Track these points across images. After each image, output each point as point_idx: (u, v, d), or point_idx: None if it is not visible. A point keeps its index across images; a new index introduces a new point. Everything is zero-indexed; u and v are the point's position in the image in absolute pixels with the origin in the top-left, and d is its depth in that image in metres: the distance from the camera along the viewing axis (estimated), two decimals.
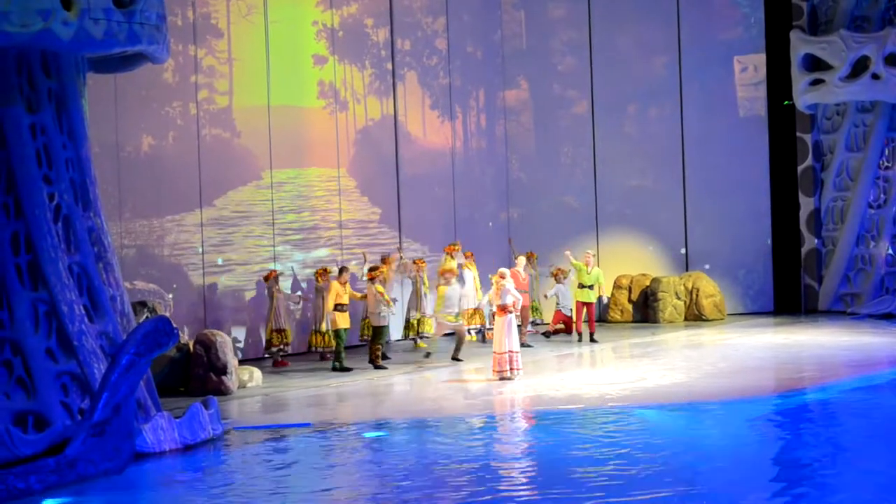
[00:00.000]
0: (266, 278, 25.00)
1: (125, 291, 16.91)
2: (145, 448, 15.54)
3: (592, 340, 27.39)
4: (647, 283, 31.90)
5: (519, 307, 23.00)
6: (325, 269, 25.33)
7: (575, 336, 27.76)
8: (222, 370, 20.96)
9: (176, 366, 21.26)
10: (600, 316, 31.79)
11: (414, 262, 27.48)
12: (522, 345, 26.22)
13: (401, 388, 22.24)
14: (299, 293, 26.10)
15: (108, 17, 15.34)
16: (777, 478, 14.01)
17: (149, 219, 24.33)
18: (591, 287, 27.52)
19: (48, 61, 15.72)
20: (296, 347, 25.60)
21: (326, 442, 16.79)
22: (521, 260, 27.22)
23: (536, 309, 29.19)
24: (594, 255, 28.70)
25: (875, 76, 31.10)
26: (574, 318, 28.03)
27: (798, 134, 32.60)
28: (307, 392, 21.43)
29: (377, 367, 23.82)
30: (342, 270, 24.71)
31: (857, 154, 32.32)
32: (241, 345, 25.28)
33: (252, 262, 25.97)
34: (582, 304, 27.71)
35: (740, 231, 32.47)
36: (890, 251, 32.18)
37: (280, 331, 24.67)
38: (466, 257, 27.54)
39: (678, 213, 32.65)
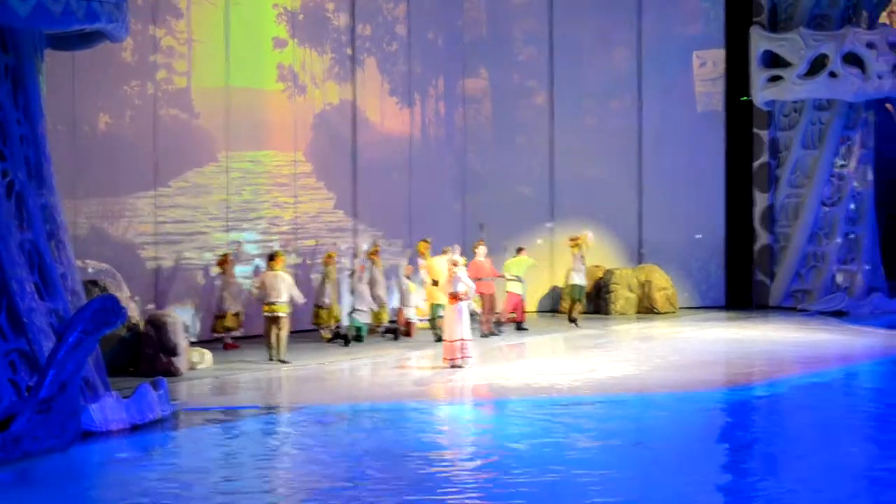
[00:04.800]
0: (220, 263, 24.99)
1: (76, 270, 16.86)
2: (92, 427, 15.52)
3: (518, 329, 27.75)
4: (601, 274, 31.96)
5: (471, 295, 23.01)
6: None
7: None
8: (172, 351, 20.89)
9: (126, 346, 21.11)
10: (552, 307, 32.10)
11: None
12: (490, 333, 26.36)
13: (351, 373, 22.24)
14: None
15: None
16: (722, 462, 14.22)
17: (103, 197, 24.19)
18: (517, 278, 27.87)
19: (5, 37, 15.64)
20: (251, 330, 25.43)
21: (274, 425, 16.81)
22: (482, 249, 26.77)
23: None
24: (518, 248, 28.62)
25: (832, 74, 31.38)
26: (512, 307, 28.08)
27: (755, 130, 32.83)
28: (257, 375, 21.41)
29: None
30: (445, 251, 24.87)
31: (812, 151, 32.56)
32: (191, 326, 25.15)
33: (206, 244, 25.87)
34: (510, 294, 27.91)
35: (694, 225, 32.63)
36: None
37: (225, 315, 24.65)
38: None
39: (633, 205, 32.76)
